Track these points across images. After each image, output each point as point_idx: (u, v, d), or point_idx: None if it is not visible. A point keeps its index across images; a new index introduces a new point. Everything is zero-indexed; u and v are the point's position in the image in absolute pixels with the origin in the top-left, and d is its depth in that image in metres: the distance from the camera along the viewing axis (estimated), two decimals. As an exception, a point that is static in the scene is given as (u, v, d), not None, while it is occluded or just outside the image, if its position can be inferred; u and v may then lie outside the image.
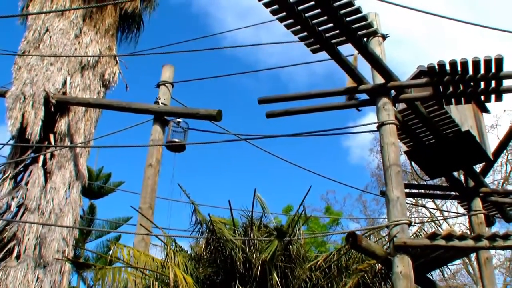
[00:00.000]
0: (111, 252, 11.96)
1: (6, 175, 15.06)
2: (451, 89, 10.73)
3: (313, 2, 9.36)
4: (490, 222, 15.85)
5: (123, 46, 20.15)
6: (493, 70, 10.01)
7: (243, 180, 71.14)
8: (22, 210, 14.54)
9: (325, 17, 9.69)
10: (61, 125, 15.79)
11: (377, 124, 10.87)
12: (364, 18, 9.93)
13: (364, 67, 11.57)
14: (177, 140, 14.60)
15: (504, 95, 10.60)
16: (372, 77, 11.53)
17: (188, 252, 13.91)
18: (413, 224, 12.78)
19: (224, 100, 74.31)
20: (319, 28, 9.95)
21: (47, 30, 16.99)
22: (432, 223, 18.97)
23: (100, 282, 11.41)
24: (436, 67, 10.31)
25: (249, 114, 77.47)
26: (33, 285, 13.75)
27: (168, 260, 12.16)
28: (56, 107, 15.73)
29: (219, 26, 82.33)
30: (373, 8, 12.11)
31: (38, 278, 14.01)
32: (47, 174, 15.37)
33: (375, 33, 11.29)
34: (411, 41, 69.34)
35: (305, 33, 10.20)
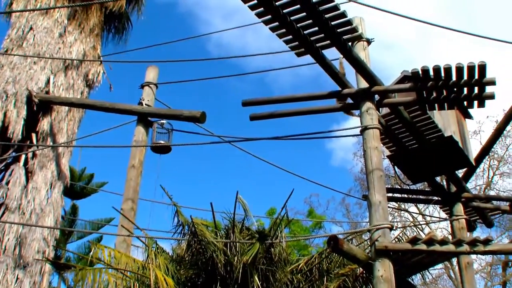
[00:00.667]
0: (91, 253, 11.90)
1: (-13, 174, 15.00)
2: (434, 94, 10.76)
3: (298, 6, 9.36)
4: (471, 227, 15.91)
5: (110, 46, 20.14)
6: (476, 77, 10.03)
7: (227, 182, 71.18)
8: (2, 209, 14.46)
9: (310, 21, 9.70)
10: (44, 124, 15.71)
11: (360, 128, 10.88)
12: (349, 22, 9.95)
13: (348, 71, 11.60)
14: (162, 141, 14.57)
15: (487, 101, 10.63)
16: (356, 81, 11.56)
17: (170, 254, 13.85)
18: (395, 228, 12.79)
19: (209, 101, 74.38)
20: (304, 32, 9.96)
21: (31, 28, 16.92)
22: (414, 228, 19.02)
23: (80, 283, 11.35)
24: (420, 72, 10.33)
25: (234, 115, 77.60)
26: (12, 286, 13.67)
27: (149, 262, 12.09)
28: (39, 106, 15.67)
29: (205, 26, 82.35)
30: (360, 13, 12.15)
31: (17, 278, 13.94)
32: (28, 174, 15.29)
33: (360, 38, 11.32)
34: (400, 45, 69.67)
35: (290, 36, 10.21)
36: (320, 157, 77.30)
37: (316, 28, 9.88)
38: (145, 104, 15.03)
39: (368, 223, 10.24)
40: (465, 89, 10.41)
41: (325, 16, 9.60)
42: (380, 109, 12.31)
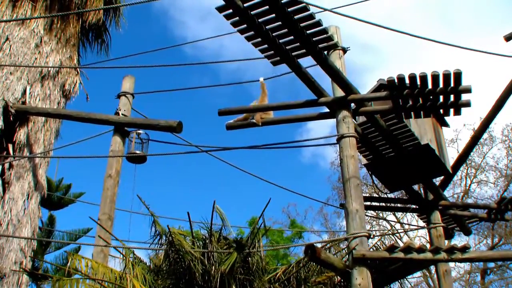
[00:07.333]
0: (69, 263, 11.83)
1: (-37, 185, 14.87)
2: (410, 102, 10.79)
3: (273, 15, 9.37)
4: (449, 235, 15.98)
5: (89, 57, 20.05)
6: (452, 84, 10.07)
7: (205, 192, 71.05)
8: (-22, 221, 14.35)
9: (286, 30, 9.71)
10: (20, 135, 15.60)
11: (337, 136, 10.90)
12: (325, 31, 9.97)
13: (324, 79, 11.61)
14: (138, 151, 14.54)
15: (463, 109, 10.67)
16: (332, 90, 11.57)
17: (147, 264, 13.86)
18: (372, 237, 12.83)
19: (186, 107, 74.12)
20: (280, 41, 9.97)
21: (7, 39, 16.79)
22: (392, 236, 19.08)
23: (58, 294, 11.28)
24: (396, 80, 10.36)
25: (211, 122, 77.45)
26: (-12, 297, 13.57)
27: (127, 272, 12.08)
28: (16, 117, 15.56)
29: (180, 28, 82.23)
30: (337, 19, 12.18)
31: (-6, 289, 13.84)
32: (5, 185, 15.17)
33: (335, 46, 11.33)
34: (378, 48, 69.93)
35: (266, 46, 10.21)
36: (288, 154, 77.53)
37: (292, 37, 9.89)
38: (122, 114, 14.99)
39: (346, 232, 10.25)
40: (441, 97, 10.44)
41: (301, 25, 9.61)
42: (357, 117, 12.35)
